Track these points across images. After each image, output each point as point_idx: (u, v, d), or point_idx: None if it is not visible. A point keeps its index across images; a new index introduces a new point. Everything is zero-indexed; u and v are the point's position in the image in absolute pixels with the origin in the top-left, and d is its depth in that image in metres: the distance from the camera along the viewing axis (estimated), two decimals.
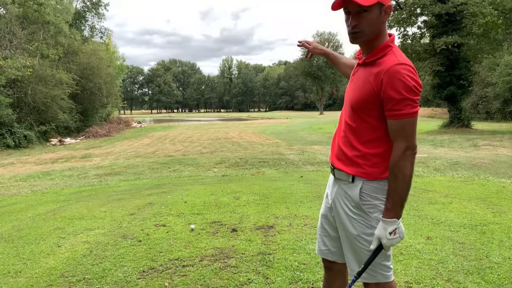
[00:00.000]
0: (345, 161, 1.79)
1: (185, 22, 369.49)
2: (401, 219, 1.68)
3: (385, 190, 1.71)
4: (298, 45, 2.46)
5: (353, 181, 1.75)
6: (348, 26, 1.69)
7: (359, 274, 1.78)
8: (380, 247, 1.70)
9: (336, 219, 1.88)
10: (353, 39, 1.70)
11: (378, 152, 1.71)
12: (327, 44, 76.05)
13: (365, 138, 1.73)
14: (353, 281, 1.82)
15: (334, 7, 1.69)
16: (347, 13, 1.68)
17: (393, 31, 24.11)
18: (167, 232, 4.12)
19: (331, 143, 1.98)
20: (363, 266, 1.76)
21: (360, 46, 1.78)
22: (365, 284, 1.84)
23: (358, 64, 1.81)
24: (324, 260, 2.05)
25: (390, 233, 1.65)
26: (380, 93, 1.62)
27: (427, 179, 7.38)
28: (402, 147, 1.62)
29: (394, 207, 1.65)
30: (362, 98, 1.69)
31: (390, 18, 24.52)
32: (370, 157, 1.72)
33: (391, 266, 1.81)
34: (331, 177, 1.95)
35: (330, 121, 38.17)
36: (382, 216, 1.68)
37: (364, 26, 1.65)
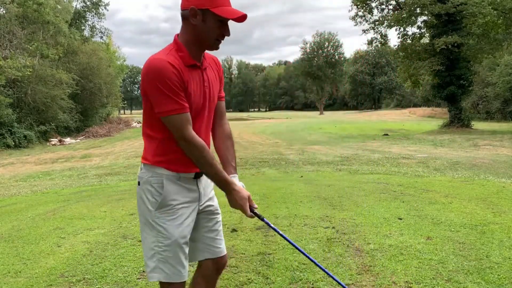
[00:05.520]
0: None
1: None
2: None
3: None
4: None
5: None
6: (222, 35, 1.74)
7: None
8: None
9: (206, 208, 2.06)
10: (219, 46, 1.79)
11: None
12: (327, 44, 76.00)
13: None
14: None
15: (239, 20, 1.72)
16: (226, 23, 1.73)
17: (393, 31, 24.18)
18: None
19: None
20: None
21: (201, 51, 1.78)
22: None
23: (201, 69, 1.79)
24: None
25: None
26: (221, 76, 1.96)
27: (427, 179, 7.38)
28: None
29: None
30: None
31: (390, 17, 24.68)
32: None
33: None
34: (199, 185, 2.04)
35: (330, 121, 38.15)
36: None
37: None
